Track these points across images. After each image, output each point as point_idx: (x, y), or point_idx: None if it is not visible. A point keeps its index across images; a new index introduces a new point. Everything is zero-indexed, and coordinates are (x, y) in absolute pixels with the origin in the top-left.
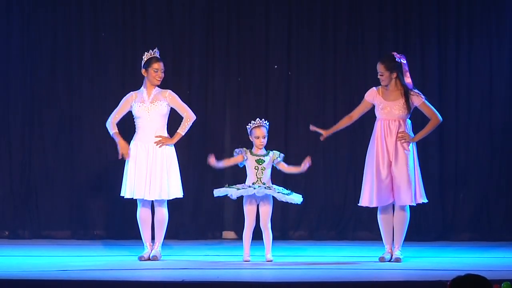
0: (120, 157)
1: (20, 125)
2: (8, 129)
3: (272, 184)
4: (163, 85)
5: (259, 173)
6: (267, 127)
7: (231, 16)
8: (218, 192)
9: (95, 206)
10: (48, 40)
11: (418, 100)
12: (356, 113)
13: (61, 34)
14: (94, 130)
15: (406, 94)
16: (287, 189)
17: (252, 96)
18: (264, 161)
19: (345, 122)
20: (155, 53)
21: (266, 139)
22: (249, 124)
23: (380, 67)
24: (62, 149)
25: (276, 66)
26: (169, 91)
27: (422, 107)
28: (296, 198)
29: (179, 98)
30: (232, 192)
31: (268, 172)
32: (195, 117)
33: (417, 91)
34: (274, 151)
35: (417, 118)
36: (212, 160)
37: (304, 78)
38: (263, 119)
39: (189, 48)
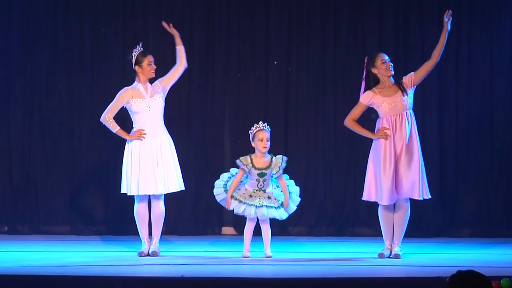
0: (138, 138)
1: (20, 120)
2: (8, 124)
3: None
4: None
5: (260, 184)
6: (269, 131)
7: (231, 11)
8: (219, 197)
9: (95, 202)
10: (48, 34)
11: (410, 78)
12: (355, 116)
13: (62, 28)
14: (94, 125)
15: (399, 83)
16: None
17: (252, 92)
18: (266, 174)
19: (355, 123)
20: (141, 48)
21: (269, 142)
22: (251, 128)
23: (385, 56)
24: (62, 144)
25: (276, 62)
26: (157, 80)
27: (418, 74)
28: (292, 207)
29: (164, 77)
30: (235, 207)
31: (269, 179)
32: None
33: (403, 76)
34: (277, 157)
35: (418, 111)
36: (228, 204)
37: (304, 74)
38: (265, 123)
39: (189, 43)
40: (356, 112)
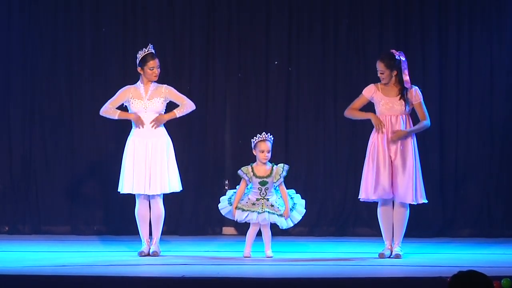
0: (140, 124)
1: (21, 120)
2: (9, 124)
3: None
4: (164, 80)
5: (263, 193)
6: (272, 141)
7: (231, 11)
8: (224, 211)
9: (95, 202)
10: (48, 34)
11: (415, 98)
12: (355, 107)
13: (62, 28)
14: (94, 125)
15: (404, 91)
16: (291, 198)
17: (252, 92)
18: (267, 182)
19: (354, 111)
20: (149, 49)
21: (270, 153)
22: (254, 138)
23: (380, 66)
24: (62, 144)
25: (276, 62)
26: (165, 85)
27: (417, 107)
28: (297, 216)
29: (176, 91)
30: (238, 216)
31: (271, 188)
32: (195, 107)
33: (417, 89)
34: (278, 166)
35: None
36: (235, 214)
37: (304, 74)
38: (268, 134)
39: (189, 42)
40: (357, 104)
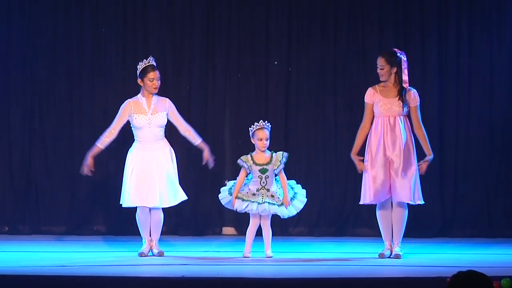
0: (83, 172)
1: (20, 120)
2: (8, 124)
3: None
4: (164, 80)
5: (263, 182)
6: (269, 129)
7: (231, 11)
8: (224, 201)
9: (95, 202)
10: (48, 35)
11: (413, 101)
12: (368, 120)
13: (62, 29)
14: (94, 125)
15: (402, 91)
16: (291, 188)
17: (252, 92)
18: (268, 169)
19: (363, 135)
20: (150, 61)
21: (268, 141)
22: (251, 126)
23: (380, 61)
24: (62, 145)
25: (276, 62)
26: (168, 100)
27: (413, 110)
28: (298, 205)
29: (176, 111)
30: (238, 205)
31: (272, 177)
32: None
33: (416, 92)
34: (278, 153)
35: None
36: (234, 204)
37: (304, 74)
38: (266, 121)
39: (189, 43)
40: (367, 115)
